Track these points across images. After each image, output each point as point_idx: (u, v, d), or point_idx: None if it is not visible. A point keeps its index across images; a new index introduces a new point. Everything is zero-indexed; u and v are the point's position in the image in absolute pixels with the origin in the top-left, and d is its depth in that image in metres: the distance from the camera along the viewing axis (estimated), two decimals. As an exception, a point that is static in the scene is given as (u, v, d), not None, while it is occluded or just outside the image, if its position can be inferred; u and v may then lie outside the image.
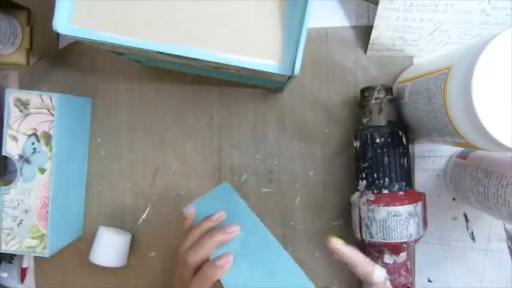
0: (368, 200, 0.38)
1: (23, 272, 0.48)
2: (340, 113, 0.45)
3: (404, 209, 0.37)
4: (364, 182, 0.39)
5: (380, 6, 0.39)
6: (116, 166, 0.48)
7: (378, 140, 0.38)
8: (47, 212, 0.42)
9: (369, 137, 0.39)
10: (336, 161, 0.45)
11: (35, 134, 0.42)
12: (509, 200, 0.32)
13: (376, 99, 0.39)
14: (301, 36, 0.32)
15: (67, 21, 0.32)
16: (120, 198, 0.48)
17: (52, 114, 0.41)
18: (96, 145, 0.48)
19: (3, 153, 0.42)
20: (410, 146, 0.40)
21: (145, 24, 0.32)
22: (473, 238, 0.44)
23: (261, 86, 0.45)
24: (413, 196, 0.38)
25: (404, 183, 0.38)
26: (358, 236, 0.40)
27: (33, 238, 0.42)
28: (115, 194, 0.48)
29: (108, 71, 0.47)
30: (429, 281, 0.45)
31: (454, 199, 0.44)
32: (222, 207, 0.38)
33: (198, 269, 0.34)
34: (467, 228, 0.44)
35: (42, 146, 0.42)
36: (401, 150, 0.38)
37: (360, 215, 0.39)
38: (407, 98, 0.38)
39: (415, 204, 0.37)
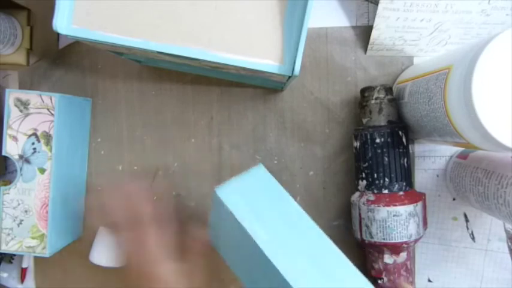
0: (368, 200, 0.38)
1: (23, 272, 0.48)
2: (340, 113, 0.45)
3: (404, 209, 0.37)
4: (364, 182, 0.39)
5: (380, 6, 0.39)
6: (116, 166, 0.47)
7: (377, 140, 0.38)
8: (47, 212, 0.42)
9: (369, 137, 0.39)
10: (336, 161, 0.45)
11: (35, 134, 0.42)
12: (509, 200, 0.32)
13: (376, 99, 0.39)
14: (301, 36, 0.32)
15: (67, 21, 0.32)
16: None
17: (52, 114, 0.41)
18: (96, 145, 0.48)
19: (3, 154, 0.42)
20: (410, 146, 0.40)
21: (145, 24, 0.32)
22: (473, 238, 0.44)
23: (261, 86, 0.45)
24: (413, 196, 0.38)
25: (404, 183, 0.38)
26: (358, 236, 0.40)
27: (33, 238, 0.42)
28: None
29: (108, 71, 0.47)
30: (429, 281, 0.45)
31: (454, 199, 0.44)
32: (259, 195, 0.34)
33: None
34: (467, 228, 0.44)
35: (42, 146, 0.42)
36: (401, 150, 0.38)
37: (360, 215, 0.39)
38: (407, 98, 0.38)
39: (415, 204, 0.37)
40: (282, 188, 0.35)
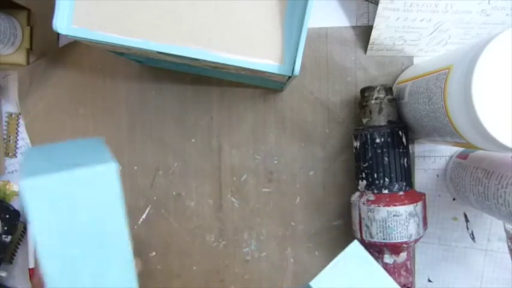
0: (368, 200, 0.38)
1: (31, 274, 0.48)
2: (340, 113, 0.45)
3: (404, 209, 0.37)
4: (364, 182, 0.39)
5: (380, 6, 0.39)
6: (115, 166, 0.47)
7: (377, 140, 0.38)
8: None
9: (369, 137, 0.39)
10: (336, 161, 0.45)
11: None
12: (509, 200, 0.32)
13: (376, 99, 0.39)
14: (301, 36, 0.32)
15: (67, 21, 0.32)
16: (120, 198, 0.47)
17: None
18: (96, 145, 0.48)
19: None
20: (410, 146, 0.40)
21: (145, 24, 0.32)
22: (473, 238, 0.44)
23: (261, 86, 0.45)
24: (413, 196, 0.38)
25: (404, 183, 0.38)
26: (358, 236, 0.40)
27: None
28: (115, 194, 0.48)
29: (108, 71, 0.47)
30: (429, 281, 0.45)
31: (454, 199, 0.44)
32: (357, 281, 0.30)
33: None
34: (467, 228, 0.44)
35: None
36: (401, 150, 0.38)
37: (360, 215, 0.39)
38: (407, 98, 0.38)
39: (415, 204, 0.37)
40: (379, 265, 0.32)
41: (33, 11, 0.46)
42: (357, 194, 0.41)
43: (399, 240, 0.37)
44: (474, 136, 0.28)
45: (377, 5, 0.39)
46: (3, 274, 0.49)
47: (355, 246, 0.32)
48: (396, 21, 0.40)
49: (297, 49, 0.32)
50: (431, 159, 0.44)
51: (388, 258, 0.39)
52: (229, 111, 0.46)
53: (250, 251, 0.46)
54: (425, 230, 0.39)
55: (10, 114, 0.48)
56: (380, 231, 0.37)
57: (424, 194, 0.40)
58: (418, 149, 0.44)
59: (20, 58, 0.46)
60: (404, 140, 0.39)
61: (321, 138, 0.45)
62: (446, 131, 0.32)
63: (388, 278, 0.31)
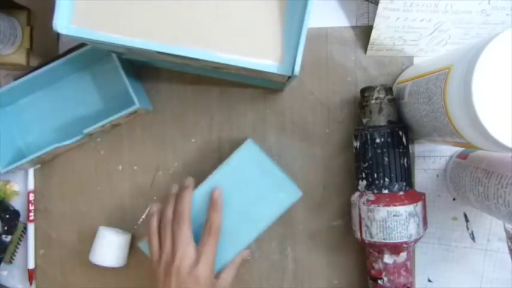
0: (368, 200, 0.38)
1: (31, 274, 0.48)
2: (340, 113, 0.45)
3: (404, 209, 0.37)
4: (364, 182, 0.39)
5: (380, 6, 0.39)
6: (116, 166, 0.47)
7: (377, 140, 0.38)
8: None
9: (369, 137, 0.39)
10: (336, 161, 0.45)
11: None
12: (509, 200, 0.32)
13: (376, 99, 0.39)
14: (301, 36, 0.32)
15: (67, 21, 0.32)
16: (120, 198, 0.48)
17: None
18: (96, 145, 0.48)
19: None
20: (410, 146, 0.40)
21: (145, 24, 0.32)
22: (473, 238, 0.44)
23: (261, 86, 0.45)
24: (413, 196, 0.38)
25: (404, 183, 0.38)
26: (358, 236, 0.40)
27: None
28: (115, 194, 0.48)
29: (108, 71, 0.47)
30: (429, 281, 0.45)
31: (454, 199, 0.44)
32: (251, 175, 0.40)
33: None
34: (467, 228, 0.44)
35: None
36: (401, 150, 0.38)
37: (360, 215, 0.39)
38: (407, 98, 0.38)
39: (415, 204, 0.37)
40: (273, 163, 0.42)
41: (33, 11, 0.46)
42: (357, 194, 0.41)
43: (399, 240, 0.37)
44: (474, 136, 0.28)
45: (377, 5, 0.39)
46: (4, 273, 0.49)
47: (249, 145, 0.41)
48: (396, 21, 0.40)
49: (296, 49, 0.32)
50: (431, 159, 0.44)
51: (388, 258, 0.39)
52: (229, 111, 0.46)
53: (250, 251, 0.46)
54: (425, 230, 0.39)
55: (10, 114, 0.48)
56: (380, 231, 0.37)
57: (424, 194, 0.40)
58: (418, 149, 0.44)
59: (20, 58, 0.46)
60: (404, 140, 0.39)
61: (321, 138, 0.45)
62: (446, 131, 0.32)
63: (281, 174, 0.41)
